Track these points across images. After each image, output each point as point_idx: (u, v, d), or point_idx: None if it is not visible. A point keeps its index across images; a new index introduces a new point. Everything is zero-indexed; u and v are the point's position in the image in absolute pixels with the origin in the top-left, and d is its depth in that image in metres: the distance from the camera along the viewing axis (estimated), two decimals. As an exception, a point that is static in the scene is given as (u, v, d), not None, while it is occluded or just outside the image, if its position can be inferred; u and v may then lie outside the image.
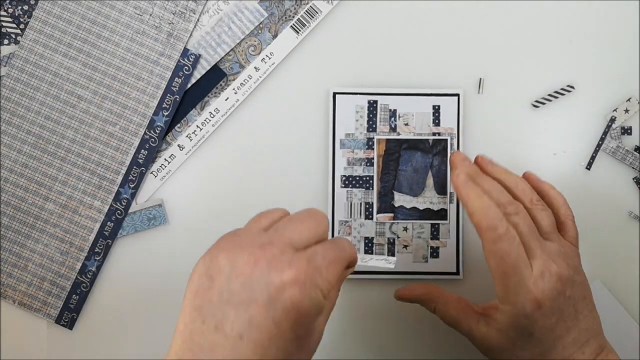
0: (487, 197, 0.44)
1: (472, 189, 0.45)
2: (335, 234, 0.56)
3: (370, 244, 0.57)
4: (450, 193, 0.57)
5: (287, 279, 0.36)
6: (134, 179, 0.56)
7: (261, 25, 0.57)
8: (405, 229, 0.57)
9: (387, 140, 0.57)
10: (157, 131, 0.56)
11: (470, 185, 0.45)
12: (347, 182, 0.56)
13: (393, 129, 0.57)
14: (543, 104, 0.57)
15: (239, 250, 0.37)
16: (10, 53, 0.56)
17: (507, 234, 0.43)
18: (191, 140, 0.57)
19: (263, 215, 0.42)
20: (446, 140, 0.56)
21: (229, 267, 0.37)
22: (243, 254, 0.37)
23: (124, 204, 0.56)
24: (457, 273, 0.57)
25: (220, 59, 0.57)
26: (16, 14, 0.56)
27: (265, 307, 0.35)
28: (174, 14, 0.56)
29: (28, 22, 0.56)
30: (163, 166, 0.57)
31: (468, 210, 0.44)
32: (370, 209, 0.57)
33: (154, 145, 0.56)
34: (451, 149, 0.56)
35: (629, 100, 0.57)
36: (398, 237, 0.57)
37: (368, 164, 0.57)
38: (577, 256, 0.47)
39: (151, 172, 0.57)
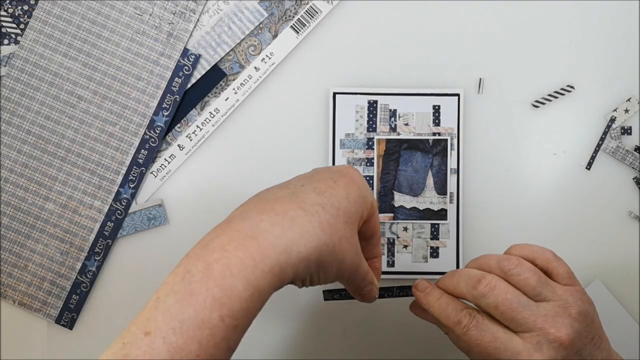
0: (446, 295, 0.45)
1: (431, 294, 0.46)
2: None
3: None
4: (450, 193, 0.57)
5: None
6: (134, 179, 0.56)
7: (261, 25, 0.57)
8: (405, 229, 0.57)
9: (387, 140, 0.57)
10: (157, 131, 0.56)
11: (429, 292, 0.46)
12: (347, 182, 0.56)
13: (393, 129, 0.57)
14: (543, 104, 0.57)
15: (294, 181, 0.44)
16: (10, 53, 0.56)
17: (473, 320, 0.43)
18: (191, 140, 0.57)
19: None
20: (446, 140, 0.56)
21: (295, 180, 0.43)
22: (301, 176, 0.44)
23: (124, 204, 0.56)
24: (457, 273, 0.57)
25: (220, 59, 0.57)
26: (16, 14, 0.56)
27: (328, 183, 0.42)
28: (174, 14, 0.56)
29: (28, 22, 0.56)
30: (163, 166, 0.57)
31: (434, 315, 0.45)
32: (370, 209, 0.57)
33: (154, 145, 0.56)
34: (451, 149, 0.56)
35: (629, 100, 0.57)
36: (398, 237, 0.57)
37: (368, 164, 0.57)
38: (579, 298, 0.44)
39: (151, 172, 0.57)
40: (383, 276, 0.57)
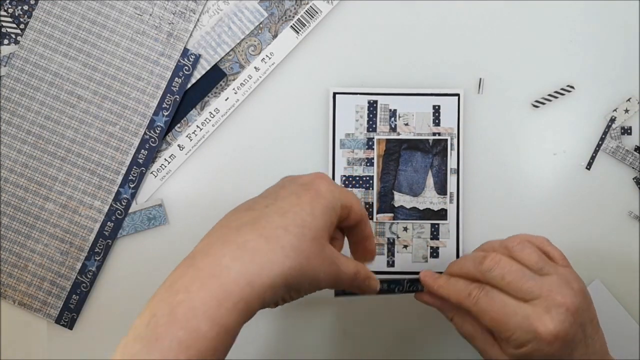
0: (453, 278, 0.48)
1: (440, 277, 0.49)
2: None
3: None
4: (450, 193, 0.57)
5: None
6: (134, 179, 0.56)
7: (261, 25, 0.57)
8: (405, 229, 0.57)
9: (387, 140, 0.57)
10: (157, 131, 0.56)
11: (437, 279, 0.50)
12: (347, 182, 0.56)
13: (393, 129, 0.57)
14: (543, 104, 0.57)
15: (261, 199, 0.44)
16: (10, 53, 0.56)
17: (482, 291, 0.46)
18: (191, 140, 0.57)
19: None
20: (446, 140, 0.57)
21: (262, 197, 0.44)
22: (269, 190, 0.45)
23: (124, 204, 0.56)
24: (457, 273, 0.57)
25: (220, 59, 0.57)
26: (16, 14, 0.56)
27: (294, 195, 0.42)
28: (174, 14, 0.56)
29: (28, 22, 0.56)
30: (163, 166, 0.57)
31: (445, 297, 0.48)
32: (370, 209, 0.57)
33: (154, 145, 0.56)
34: (451, 149, 0.56)
35: (629, 100, 0.57)
36: (398, 237, 0.57)
37: (368, 164, 0.57)
38: (576, 277, 0.47)
39: (151, 172, 0.57)
40: (383, 276, 0.57)
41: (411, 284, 0.57)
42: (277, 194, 0.43)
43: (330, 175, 0.56)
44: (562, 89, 0.57)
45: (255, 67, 0.57)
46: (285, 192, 0.43)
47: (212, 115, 0.57)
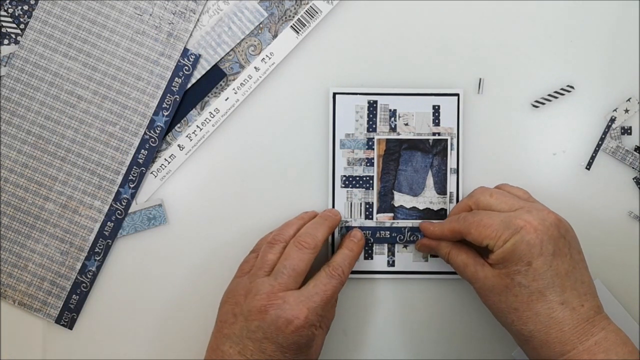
0: (446, 219, 0.54)
1: (439, 223, 0.54)
2: (335, 235, 0.56)
3: (370, 244, 0.57)
4: (450, 193, 0.57)
5: (292, 329, 0.47)
6: (134, 179, 0.56)
7: (261, 25, 0.57)
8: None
9: (387, 140, 0.57)
10: (157, 131, 0.56)
11: (433, 223, 0.55)
12: (347, 182, 0.56)
13: (393, 129, 0.57)
14: (543, 104, 0.57)
15: (252, 299, 0.48)
16: (10, 53, 0.56)
17: (472, 212, 0.51)
18: (191, 140, 0.57)
19: (269, 250, 0.52)
20: (446, 140, 0.57)
21: (247, 312, 0.48)
22: (255, 302, 0.48)
23: (124, 204, 0.56)
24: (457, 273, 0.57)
25: (220, 59, 0.57)
26: (16, 14, 0.56)
27: (275, 344, 0.48)
28: (174, 14, 0.56)
29: (28, 22, 0.56)
30: (163, 166, 0.57)
31: (443, 233, 0.53)
32: (371, 209, 0.57)
33: (154, 145, 0.56)
34: (451, 149, 0.56)
35: (629, 100, 0.57)
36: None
37: (368, 164, 0.57)
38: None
39: (151, 172, 0.57)
40: (383, 276, 0.57)
41: (412, 233, 0.57)
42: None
43: (330, 175, 0.56)
44: (562, 89, 0.57)
45: (255, 67, 0.57)
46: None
47: (212, 115, 0.57)
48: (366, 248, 0.57)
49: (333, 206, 0.56)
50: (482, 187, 0.54)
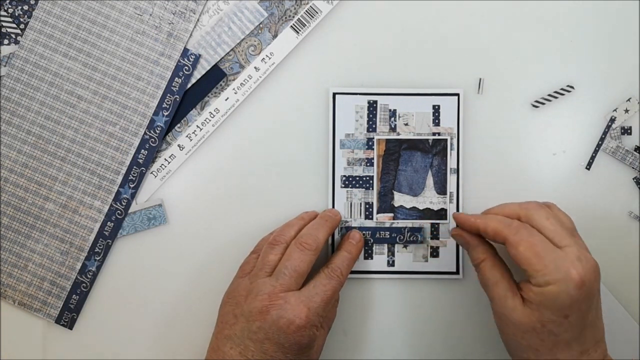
0: (491, 214, 0.50)
1: (477, 216, 0.50)
2: (335, 235, 0.56)
3: (370, 244, 0.57)
4: (450, 193, 0.57)
5: (293, 329, 0.47)
6: (134, 179, 0.56)
7: (261, 25, 0.57)
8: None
9: (387, 140, 0.57)
10: (157, 131, 0.56)
11: (473, 216, 0.51)
12: (347, 182, 0.56)
13: (393, 129, 0.57)
14: (543, 104, 0.57)
15: (253, 300, 0.49)
16: (10, 53, 0.56)
17: (524, 225, 0.47)
18: (191, 140, 0.57)
19: (270, 251, 0.52)
20: (446, 140, 0.56)
21: (248, 312, 0.48)
22: (256, 303, 0.48)
23: (124, 204, 0.56)
24: (457, 272, 0.57)
25: (220, 59, 0.57)
26: (16, 14, 0.56)
27: (276, 345, 0.48)
28: (174, 14, 0.56)
29: (28, 22, 0.56)
30: (163, 166, 0.57)
31: (485, 229, 0.49)
32: (370, 209, 0.57)
33: (154, 145, 0.56)
34: (451, 149, 0.56)
35: (629, 100, 0.57)
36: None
37: (368, 164, 0.57)
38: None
39: (151, 172, 0.57)
40: (383, 276, 0.57)
41: (411, 233, 0.57)
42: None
43: (330, 175, 0.56)
44: (562, 89, 0.57)
45: (255, 67, 0.57)
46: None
47: (212, 115, 0.57)
48: (366, 248, 0.57)
49: (333, 206, 0.56)
50: (537, 203, 0.50)
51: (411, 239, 0.57)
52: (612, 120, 0.57)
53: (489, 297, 0.49)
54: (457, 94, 0.57)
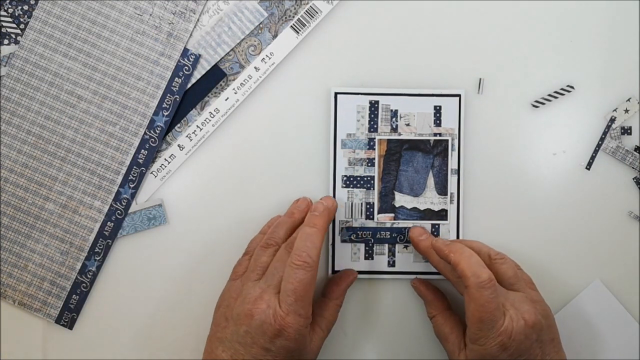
0: (468, 249, 0.49)
1: (454, 244, 0.50)
2: (336, 236, 0.56)
3: (371, 244, 0.57)
4: (451, 193, 0.57)
5: (279, 336, 0.47)
6: (134, 179, 0.56)
7: (261, 25, 0.57)
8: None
9: (388, 141, 0.57)
10: (157, 131, 0.56)
11: (451, 243, 0.51)
12: (348, 182, 0.56)
13: (394, 129, 0.57)
14: (543, 104, 0.57)
15: (241, 303, 0.49)
16: (10, 53, 0.56)
17: (491, 281, 0.47)
18: (191, 140, 0.57)
19: (262, 253, 0.52)
20: (447, 140, 0.57)
21: (236, 316, 0.48)
22: (243, 307, 0.48)
23: (124, 204, 0.56)
24: (458, 273, 0.57)
25: (220, 59, 0.57)
26: (16, 14, 0.56)
27: (263, 349, 0.47)
28: (174, 14, 0.56)
29: (28, 22, 0.56)
30: (163, 166, 0.57)
31: (453, 261, 0.49)
32: (371, 209, 0.57)
33: (154, 145, 0.56)
34: (452, 150, 0.57)
35: (629, 100, 0.58)
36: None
37: (369, 164, 0.57)
38: (542, 299, 0.51)
39: (151, 172, 0.57)
40: (383, 276, 0.57)
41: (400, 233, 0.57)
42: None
43: (331, 175, 0.56)
44: (562, 89, 0.58)
45: (255, 67, 0.57)
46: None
47: (212, 115, 0.57)
48: (367, 248, 0.57)
49: (333, 206, 0.56)
50: (513, 263, 0.52)
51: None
52: (612, 120, 0.57)
53: (442, 345, 0.54)
54: (458, 95, 0.57)
